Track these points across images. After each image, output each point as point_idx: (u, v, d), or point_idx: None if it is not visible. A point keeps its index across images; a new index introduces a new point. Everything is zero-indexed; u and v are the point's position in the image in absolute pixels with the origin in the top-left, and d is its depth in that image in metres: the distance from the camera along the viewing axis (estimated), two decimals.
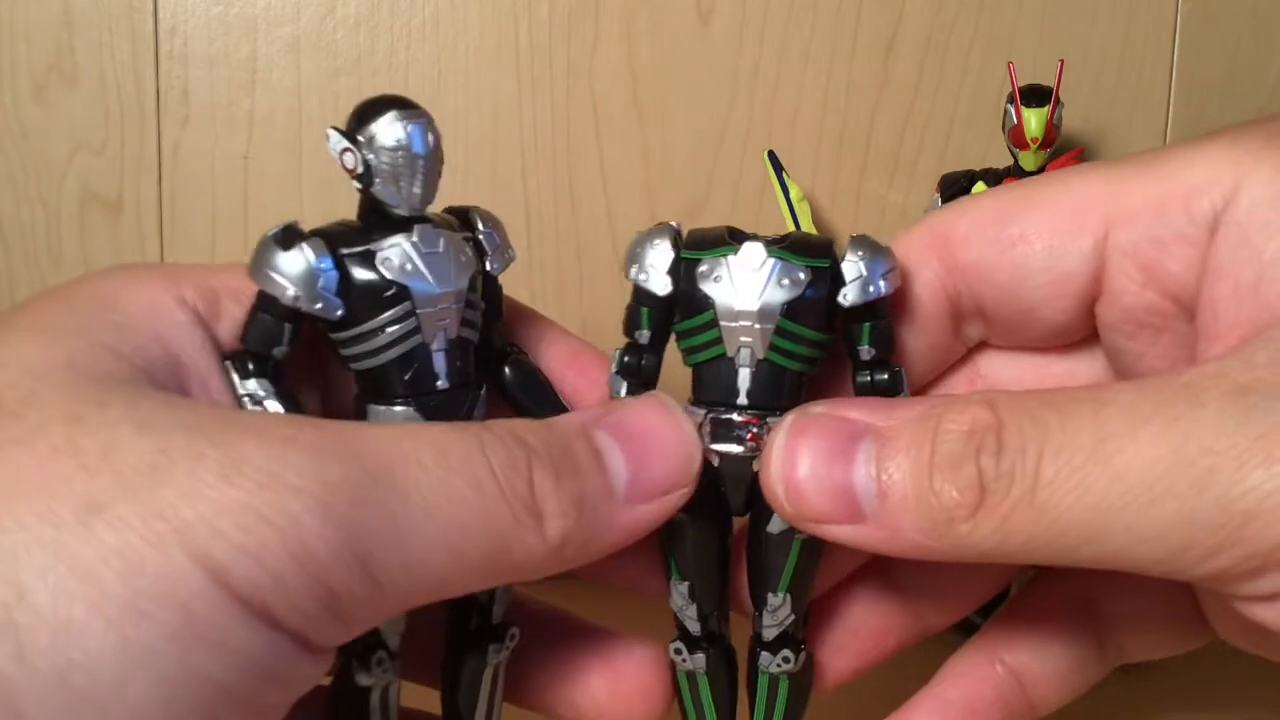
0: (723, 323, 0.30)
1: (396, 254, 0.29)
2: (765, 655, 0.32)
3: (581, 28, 0.59)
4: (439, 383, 0.30)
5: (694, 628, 0.32)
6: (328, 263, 0.28)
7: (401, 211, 0.29)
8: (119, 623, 0.21)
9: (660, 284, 0.30)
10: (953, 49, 0.61)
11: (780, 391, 0.30)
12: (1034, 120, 0.53)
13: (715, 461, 0.30)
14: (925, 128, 0.61)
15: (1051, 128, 0.53)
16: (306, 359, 0.32)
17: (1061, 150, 0.55)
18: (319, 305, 0.28)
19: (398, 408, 0.30)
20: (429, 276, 0.29)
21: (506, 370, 0.32)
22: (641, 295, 0.31)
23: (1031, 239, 0.29)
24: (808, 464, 0.27)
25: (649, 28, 0.59)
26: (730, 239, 0.30)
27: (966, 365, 0.33)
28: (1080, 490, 0.23)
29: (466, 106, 0.58)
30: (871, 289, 0.30)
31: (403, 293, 0.29)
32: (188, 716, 0.22)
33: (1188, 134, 0.62)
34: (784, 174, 0.58)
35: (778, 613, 0.31)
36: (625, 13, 0.59)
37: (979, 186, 0.56)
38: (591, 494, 0.27)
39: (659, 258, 0.30)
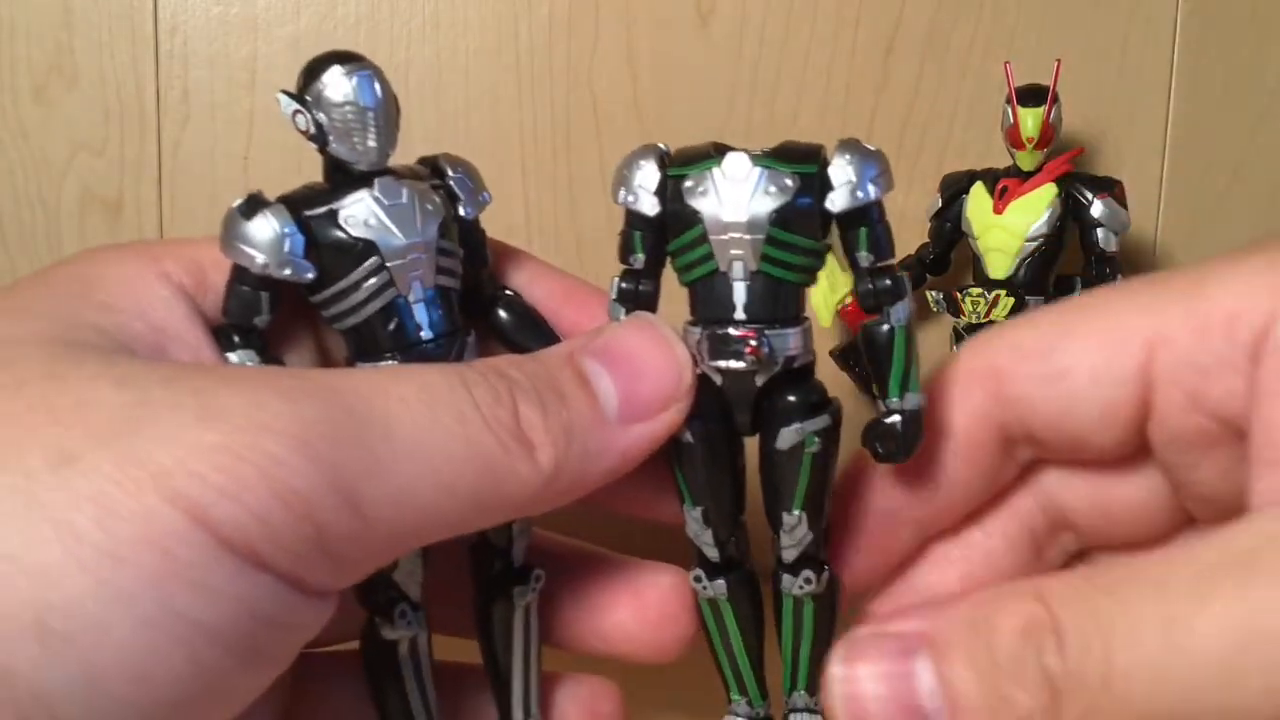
0: (712, 236, 0.29)
1: (360, 210, 0.29)
2: (787, 578, 0.31)
3: (581, 27, 0.59)
4: (422, 333, 0.30)
5: (712, 554, 0.32)
6: (291, 227, 0.29)
7: (361, 167, 0.29)
8: (95, 567, 0.21)
9: (649, 204, 0.30)
10: (953, 49, 0.61)
11: (777, 303, 0.29)
12: (1029, 120, 0.53)
13: (718, 380, 0.30)
14: (925, 128, 0.61)
15: (1048, 127, 0.53)
16: (300, 328, 0.32)
17: (1060, 150, 0.55)
18: (288, 270, 0.29)
19: (384, 363, 0.30)
20: (394, 229, 0.29)
21: (499, 312, 0.32)
22: (632, 219, 0.30)
23: (1075, 371, 0.29)
24: (869, 690, 0.25)
25: (649, 28, 0.59)
26: (715, 152, 0.30)
27: (1027, 484, 0.32)
28: (1159, 679, 0.22)
29: (466, 106, 0.58)
30: (860, 194, 0.29)
31: (370, 248, 0.29)
32: (174, 659, 0.22)
33: (1188, 134, 0.62)
34: None
35: (795, 531, 0.31)
36: (625, 13, 0.59)
37: (978, 187, 0.56)
38: (581, 420, 0.27)
39: (646, 179, 0.30)
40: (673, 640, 0.33)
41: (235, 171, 0.58)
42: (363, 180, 0.29)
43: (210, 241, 0.30)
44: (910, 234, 0.59)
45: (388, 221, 0.29)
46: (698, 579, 0.32)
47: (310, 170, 0.62)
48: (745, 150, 0.29)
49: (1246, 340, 0.26)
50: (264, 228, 0.28)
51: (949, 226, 0.57)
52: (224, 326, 0.29)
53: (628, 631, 0.33)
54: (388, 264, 0.29)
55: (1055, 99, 0.53)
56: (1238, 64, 0.62)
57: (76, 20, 0.57)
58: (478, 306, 0.32)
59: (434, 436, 0.25)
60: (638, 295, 0.31)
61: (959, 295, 0.55)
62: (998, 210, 0.54)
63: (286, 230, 0.28)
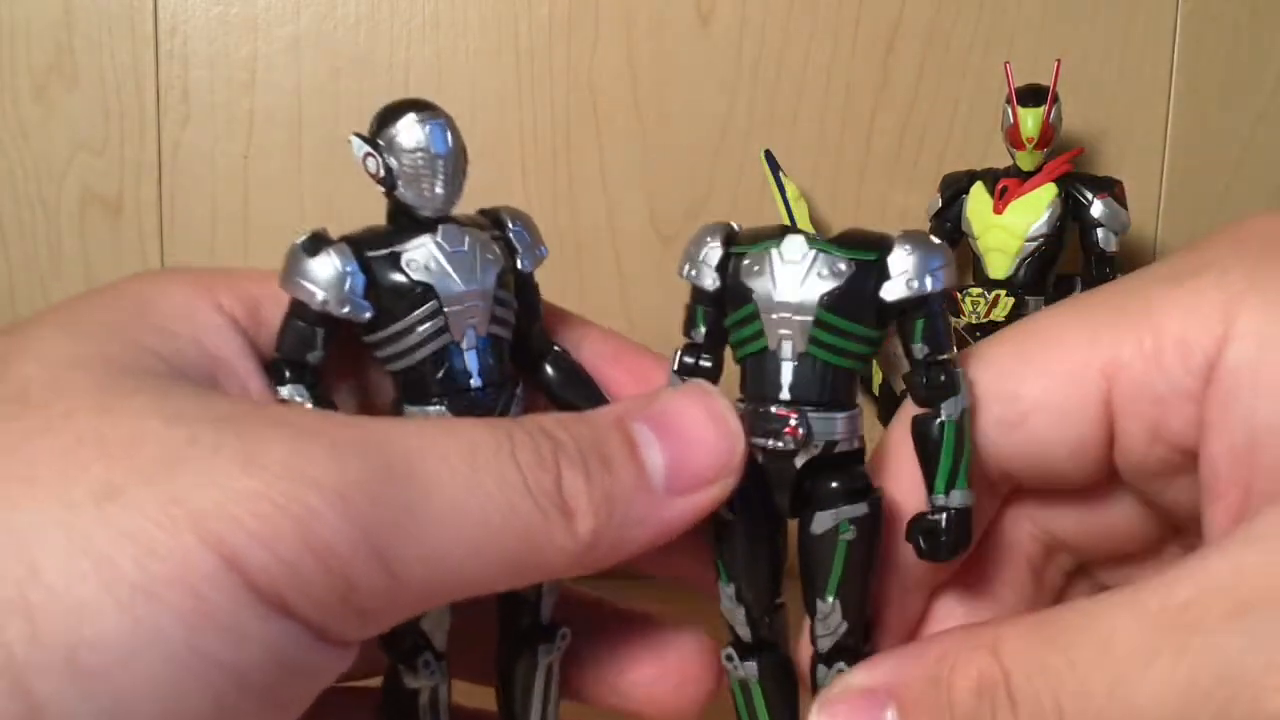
0: (763, 314, 0.29)
1: (421, 254, 0.29)
2: (821, 668, 0.31)
3: (581, 28, 0.59)
4: (472, 380, 0.30)
5: (744, 633, 0.32)
6: (353, 266, 0.29)
7: (426, 213, 0.30)
8: (130, 604, 0.21)
9: (709, 280, 0.30)
10: (953, 49, 0.61)
11: (824, 387, 0.29)
12: (1029, 120, 0.53)
13: (760, 459, 0.30)
14: (925, 128, 0.61)
15: (1048, 127, 0.53)
16: (347, 364, 0.32)
17: (1060, 150, 0.55)
18: (347, 309, 0.29)
19: (432, 407, 0.30)
20: (454, 275, 0.30)
21: (547, 369, 0.33)
22: (695, 293, 0.31)
23: (1039, 411, 0.29)
24: None
25: (649, 28, 0.59)
26: (780, 233, 0.30)
27: (1015, 515, 0.33)
28: None
29: (467, 107, 0.58)
30: (916, 284, 0.29)
31: (428, 292, 0.29)
32: (199, 699, 0.22)
33: (1188, 134, 0.62)
34: (780, 173, 0.58)
35: (829, 620, 0.31)
36: (625, 13, 0.59)
37: (978, 187, 0.56)
38: (624, 489, 0.27)
39: (710, 254, 0.30)
40: (691, 703, 0.33)
41: (235, 171, 0.58)
42: (426, 226, 0.30)
43: (264, 275, 0.30)
44: None
45: (448, 267, 0.30)
46: (729, 658, 0.32)
47: (311, 174, 0.62)
48: (805, 233, 0.30)
49: (1199, 366, 0.26)
50: (326, 266, 0.29)
51: (949, 226, 0.57)
52: (277, 360, 0.29)
53: (647, 691, 0.33)
54: (445, 309, 0.29)
55: (1055, 99, 0.53)
56: (1238, 64, 0.62)
57: (76, 20, 0.57)
58: (527, 359, 0.33)
59: (473, 499, 0.25)
60: (698, 369, 0.31)
61: (959, 295, 0.55)
62: (998, 210, 0.54)
63: (349, 269, 0.29)
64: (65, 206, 0.58)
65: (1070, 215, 0.54)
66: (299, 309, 0.29)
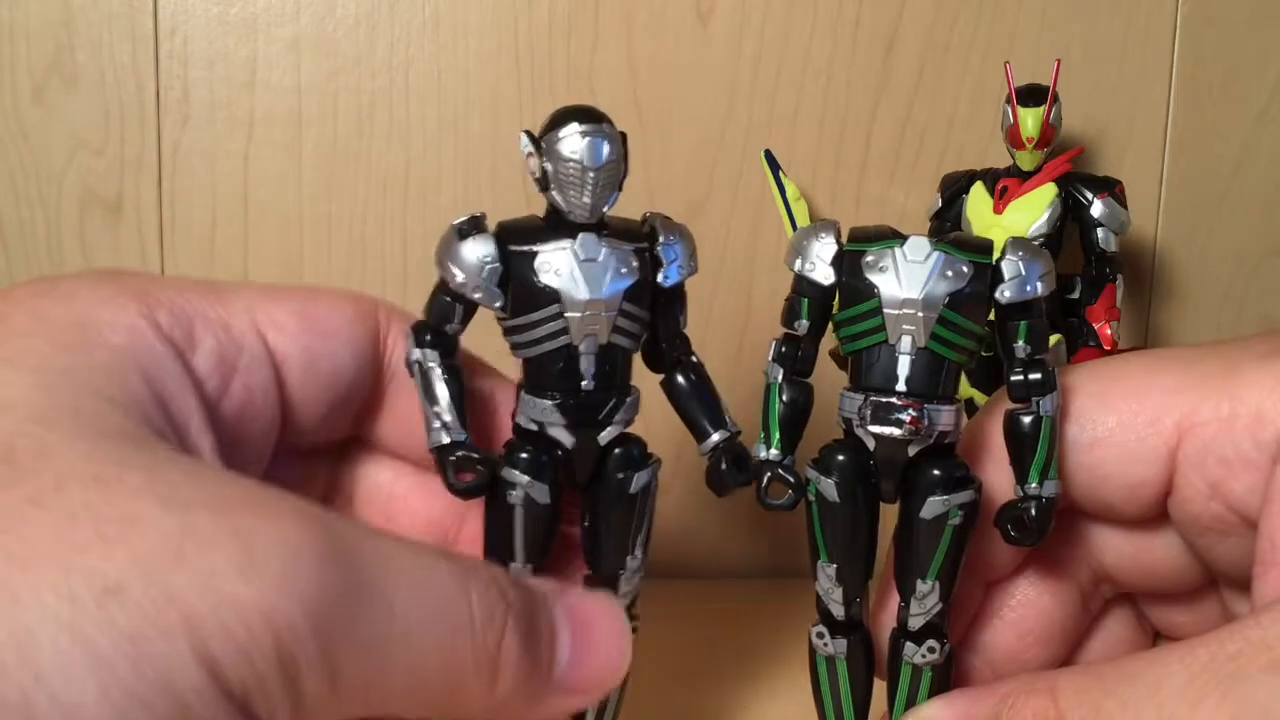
0: (886, 310, 0.31)
1: (556, 259, 0.31)
2: (910, 646, 0.32)
3: (581, 28, 0.59)
4: (584, 383, 0.32)
5: (838, 612, 0.33)
6: (493, 257, 0.31)
7: (572, 218, 0.31)
8: (124, 710, 0.21)
9: (825, 275, 0.32)
10: (953, 49, 0.61)
11: (937, 379, 0.31)
12: (1030, 120, 0.53)
13: (870, 445, 0.31)
14: (925, 128, 0.61)
15: (1048, 127, 0.53)
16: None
17: (1060, 150, 0.55)
18: (479, 294, 0.31)
19: (544, 400, 0.32)
20: (581, 284, 0.31)
21: (677, 378, 0.34)
22: (804, 286, 0.32)
23: (1108, 443, 0.31)
24: None
25: (649, 28, 0.59)
26: (893, 234, 0.31)
27: (1070, 539, 0.34)
28: None
29: (466, 107, 0.58)
30: (1029, 288, 0.31)
31: (554, 296, 0.31)
32: None
33: (1188, 134, 0.62)
34: (780, 173, 0.58)
35: (925, 600, 0.32)
36: (625, 13, 0.59)
37: (978, 186, 0.56)
38: (539, 668, 0.28)
39: (824, 250, 0.32)
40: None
41: (235, 171, 0.58)
42: (572, 230, 0.31)
43: (199, 290, 0.30)
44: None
45: (577, 275, 0.31)
46: (820, 635, 0.33)
47: (311, 174, 0.62)
48: (925, 235, 0.31)
49: (1269, 441, 0.28)
50: (471, 252, 0.31)
51: (949, 226, 0.57)
52: (421, 324, 0.32)
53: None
54: (566, 314, 0.31)
55: (1055, 99, 0.53)
56: (1238, 64, 0.62)
57: (76, 20, 0.57)
58: (659, 364, 0.34)
59: (425, 632, 0.26)
60: (797, 359, 0.32)
61: None
62: (998, 210, 0.54)
63: (488, 260, 0.31)
64: (65, 206, 0.58)
65: (1070, 215, 0.55)
66: (443, 284, 0.32)
